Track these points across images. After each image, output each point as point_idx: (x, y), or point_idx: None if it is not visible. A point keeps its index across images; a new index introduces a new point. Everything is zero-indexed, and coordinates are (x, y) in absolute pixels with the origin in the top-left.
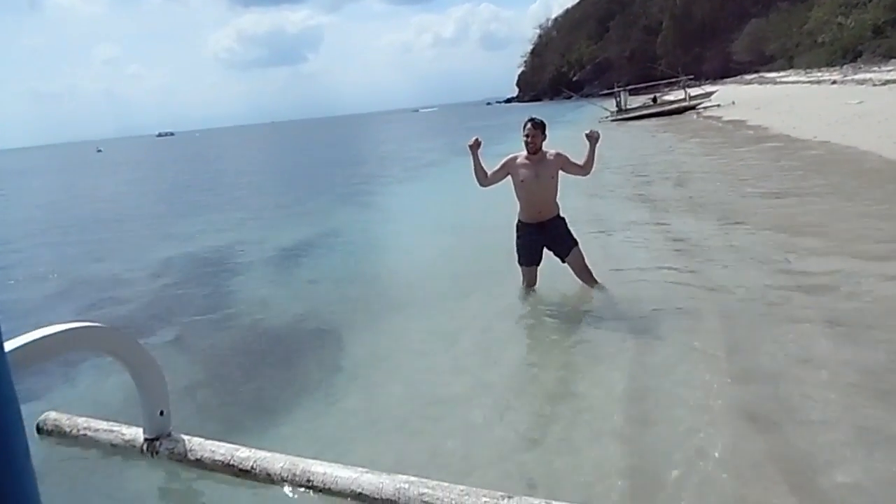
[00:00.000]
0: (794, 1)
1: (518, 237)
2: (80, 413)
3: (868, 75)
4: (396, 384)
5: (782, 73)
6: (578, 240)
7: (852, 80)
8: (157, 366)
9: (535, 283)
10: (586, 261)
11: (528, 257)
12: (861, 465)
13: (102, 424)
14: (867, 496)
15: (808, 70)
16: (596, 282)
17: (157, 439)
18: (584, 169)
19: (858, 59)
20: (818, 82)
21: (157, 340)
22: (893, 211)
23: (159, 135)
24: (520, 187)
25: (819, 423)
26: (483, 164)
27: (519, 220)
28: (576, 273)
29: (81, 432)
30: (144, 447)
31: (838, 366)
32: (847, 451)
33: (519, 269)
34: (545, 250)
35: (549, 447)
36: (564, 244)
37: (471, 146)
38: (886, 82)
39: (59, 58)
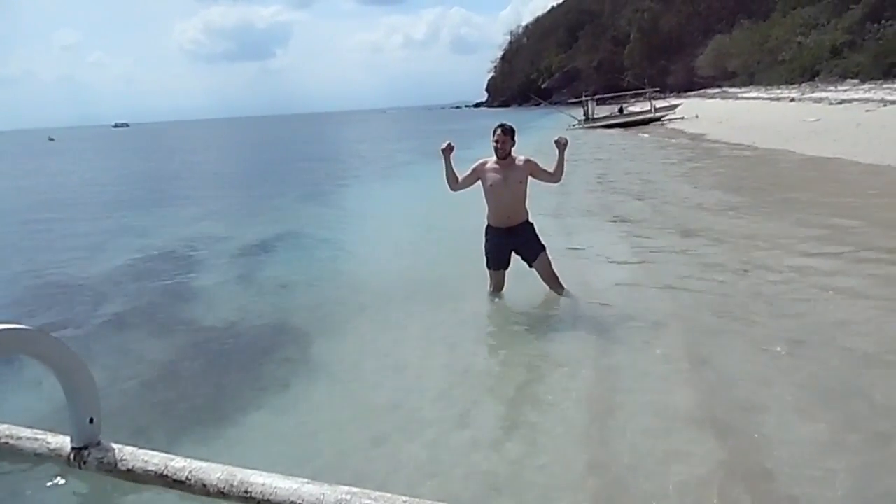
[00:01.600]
0: (756, 19)
1: (486, 241)
2: (1, 420)
3: (825, 94)
4: (357, 389)
5: (744, 89)
6: (546, 245)
7: (810, 99)
8: (87, 370)
9: (502, 287)
10: (553, 266)
11: (496, 261)
12: (815, 471)
13: (26, 432)
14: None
15: (769, 87)
16: (562, 287)
17: (85, 448)
18: (554, 176)
19: (816, 79)
20: (777, 99)
21: (95, 342)
22: (846, 222)
23: (116, 125)
24: (489, 192)
25: (775, 429)
26: (454, 169)
27: (488, 224)
28: (543, 278)
29: (2, 441)
30: (71, 457)
31: (792, 374)
32: (801, 456)
33: (486, 272)
34: (513, 255)
35: (511, 453)
36: (532, 249)
37: (443, 150)
38: (842, 101)
39: (14, 41)
